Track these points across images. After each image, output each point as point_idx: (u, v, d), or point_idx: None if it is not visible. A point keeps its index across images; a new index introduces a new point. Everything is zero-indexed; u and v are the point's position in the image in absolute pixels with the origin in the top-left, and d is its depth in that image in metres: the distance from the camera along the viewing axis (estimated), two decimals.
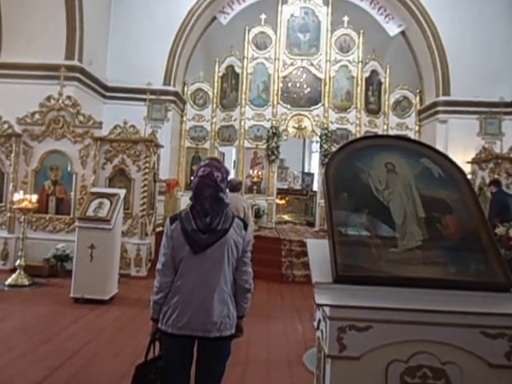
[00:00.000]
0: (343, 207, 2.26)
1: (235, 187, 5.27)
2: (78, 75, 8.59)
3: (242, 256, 2.09)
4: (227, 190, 2.10)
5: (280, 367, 3.61)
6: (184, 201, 10.72)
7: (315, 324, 2.28)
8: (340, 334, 1.84)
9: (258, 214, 9.97)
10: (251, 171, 10.36)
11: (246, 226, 2.11)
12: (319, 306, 1.89)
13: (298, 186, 14.89)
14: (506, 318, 1.80)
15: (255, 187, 10.13)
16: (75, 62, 8.57)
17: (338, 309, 1.84)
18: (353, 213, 2.24)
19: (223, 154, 13.43)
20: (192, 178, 10.86)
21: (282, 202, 12.68)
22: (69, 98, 7.08)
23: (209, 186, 2.00)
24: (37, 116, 7.06)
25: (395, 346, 1.82)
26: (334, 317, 1.85)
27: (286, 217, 12.22)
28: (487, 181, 6.84)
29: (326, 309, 1.92)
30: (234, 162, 11.69)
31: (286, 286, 6.85)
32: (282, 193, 12.63)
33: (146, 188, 7.02)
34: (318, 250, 2.20)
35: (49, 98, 7.05)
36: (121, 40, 10.14)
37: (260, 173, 10.33)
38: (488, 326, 1.79)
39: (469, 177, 7.11)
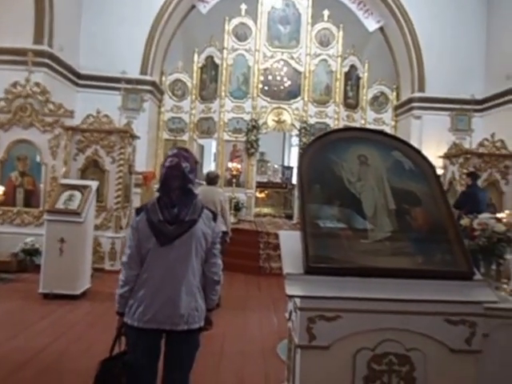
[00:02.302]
0: (316, 199, 2.30)
1: (212, 180, 5.26)
2: (47, 61, 8.25)
3: (210, 248, 2.08)
4: (197, 181, 2.09)
5: (254, 358, 3.67)
6: None
7: (287, 315, 2.33)
8: (310, 325, 1.89)
9: (237, 207, 10.00)
10: (230, 164, 10.35)
11: (215, 217, 2.10)
12: (290, 297, 1.94)
13: (277, 180, 14.98)
14: (467, 305, 1.89)
15: (234, 180, 10.13)
16: (44, 47, 8.22)
17: (309, 299, 1.90)
18: (325, 205, 2.29)
19: (202, 147, 13.36)
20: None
21: (262, 195, 12.73)
22: (37, 84, 6.86)
23: (176, 177, 1.98)
24: (2, 103, 6.81)
25: (363, 334, 1.89)
26: (304, 307, 1.90)
27: (265, 210, 12.29)
28: (457, 175, 7.05)
29: (297, 300, 1.97)
30: (215, 154, 11.62)
31: (264, 278, 6.92)
32: (261, 186, 12.68)
33: (120, 180, 6.93)
34: (291, 242, 2.24)
35: (15, 85, 6.80)
36: (95, 25, 9.85)
37: (239, 166, 10.33)
38: (451, 313, 1.88)
39: (441, 171, 7.32)
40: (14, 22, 8.06)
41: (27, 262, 6.42)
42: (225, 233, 5.08)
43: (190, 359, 2.07)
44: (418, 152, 2.55)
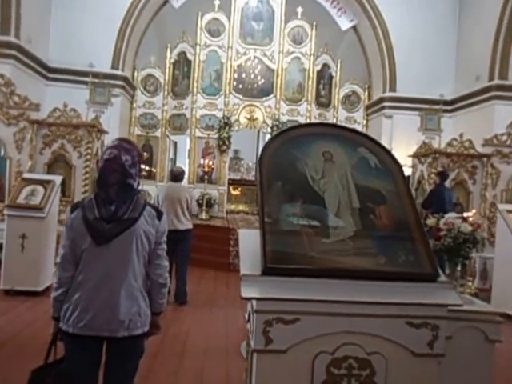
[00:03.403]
0: (277, 197, 2.18)
1: (177, 177, 5.07)
2: (14, 53, 7.91)
3: (154, 248, 1.90)
4: (139, 176, 1.89)
5: (217, 357, 3.53)
6: None
7: (246, 316, 2.20)
8: (266, 328, 1.77)
9: (209, 204, 9.83)
10: (202, 161, 10.15)
11: (159, 215, 1.92)
12: (245, 299, 1.80)
13: (251, 177, 14.89)
14: (430, 307, 1.80)
15: (206, 177, 9.94)
16: (11, 38, 7.86)
17: (265, 302, 1.78)
18: (286, 202, 2.17)
19: (175, 143, 13.09)
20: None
21: (236, 192, 12.62)
22: (1, 76, 6.49)
23: (115, 171, 1.80)
24: None
25: (322, 338, 1.78)
26: (260, 310, 1.78)
27: (240, 207, 12.19)
28: (425, 175, 7.09)
29: (254, 302, 1.84)
30: (189, 151, 11.40)
31: (233, 275, 6.78)
32: (234, 183, 12.59)
33: (87, 175, 6.65)
34: (250, 241, 2.10)
35: None
36: (65, 18, 9.47)
37: (211, 163, 10.14)
38: (413, 316, 1.79)
39: (410, 170, 7.32)
40: None
41: None
42: (190, 230, 4.91)
43: (132, 367, 1.89)
44: (385, 149, 2.46)
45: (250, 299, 1.87)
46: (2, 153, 6.50)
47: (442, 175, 6.43)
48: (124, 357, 1.84)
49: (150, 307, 1.92)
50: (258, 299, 1.78)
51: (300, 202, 2.17)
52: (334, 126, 2.87)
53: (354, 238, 2.02)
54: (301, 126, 2.62)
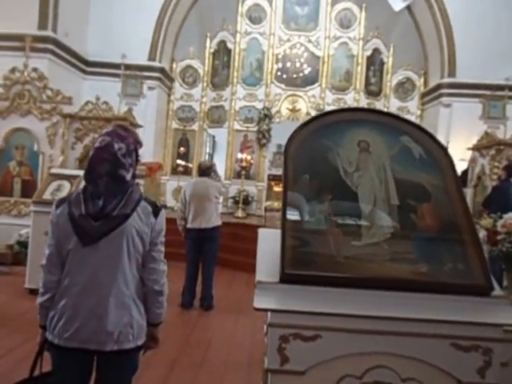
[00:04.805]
0: (303, 192, 2.02)
1: (204, 172, 4.95)
2: (51, 47, 8.21)
3: (149, 250, 1.76)
4: (134, 168, 1.76)
5: (238, 370, 3.38)
6: (170, 185, 10.51)
7: (264, 328, 2.04)
8: (282, 344, 1.62)
9: (246, 201, 9.75)
10: (240, 155, 10.07)
11: (156, 212, 1.77)
12: (259, 310, 1.64)
13: None
14: (482, 327, 1.56)
15: (244, 172, 9.86)
16: (48, 33, 8.17)
17: (281, 314, 1.63)
18: (313, 198, 2.00)
19: (213, 137, 13.15)
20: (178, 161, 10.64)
21: (278, 188, 12.48)
22: (35, 70, 6.76)
23: (105, 161, 1.67)
24: (0, 90, 6.75)
25: (348, 358, 1.60)
26: (275, 323, 1.63)
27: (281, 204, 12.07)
28: (487, 169, 6.54)
29: (269, 314, 1.68)
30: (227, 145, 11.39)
31: None
32: (276, 179, 12.44)
33: None
34: (270, 242, 1.95)
35: (13, 70, 6.73)
36: (103, 10, 9.74)
37: (250, 157, 10.04)
38: (460, 336, 1.57)
39: (468, 164, 6.76)
40: (18, 6, 7.98)
41: (23, 254, 6.33)
42: (218, 228, 4.82)
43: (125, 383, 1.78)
44: (433, 137, 2.22)
45: (264, 310, 1.71)
46: (36, 148, 6.77)
47: (510, 169, 5.92)
48: (113, 373, 1.73)
49: (145, 317, 1.79)
50: (272, 311, 1.63)
51: (329, 198, 2.00)
52: (374, 111, 2.64)
53: (390, 240, 1.82)
54: (335, 111, 2.42)
